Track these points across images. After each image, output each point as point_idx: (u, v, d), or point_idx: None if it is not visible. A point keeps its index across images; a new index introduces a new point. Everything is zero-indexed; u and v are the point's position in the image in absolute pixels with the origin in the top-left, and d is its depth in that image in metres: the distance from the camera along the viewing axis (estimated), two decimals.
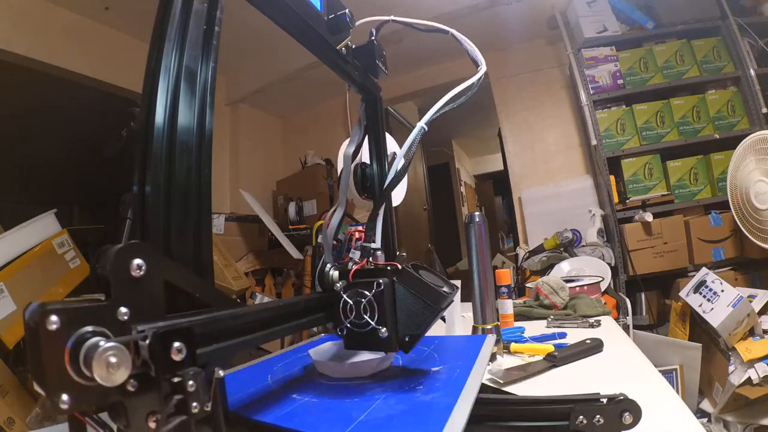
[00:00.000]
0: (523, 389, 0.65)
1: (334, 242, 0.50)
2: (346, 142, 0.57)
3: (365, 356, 0.51)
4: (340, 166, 0.57)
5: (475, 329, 0.84)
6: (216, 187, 2.62)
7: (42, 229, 1.62)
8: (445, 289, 0.44)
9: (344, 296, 0.43)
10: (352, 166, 0.55)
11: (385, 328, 0.41)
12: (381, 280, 0.41)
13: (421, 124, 0.47)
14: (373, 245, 0.49)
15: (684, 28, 2.18)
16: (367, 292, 0.42)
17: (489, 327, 0.82)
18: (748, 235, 1.67)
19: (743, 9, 2.17)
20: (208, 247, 0.31)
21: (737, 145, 1.68)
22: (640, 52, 2.19)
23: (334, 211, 0.53)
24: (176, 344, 0.24)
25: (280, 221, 2.76)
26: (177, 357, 0.24)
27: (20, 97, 2.42)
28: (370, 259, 0.47)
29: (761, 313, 1.50)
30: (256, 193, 2.73)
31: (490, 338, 0.60)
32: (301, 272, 2.51)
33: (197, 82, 0.31)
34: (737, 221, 1.72)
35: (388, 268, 0.43)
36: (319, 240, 0.50)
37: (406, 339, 0.41)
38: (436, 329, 1.09)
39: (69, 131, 2.88)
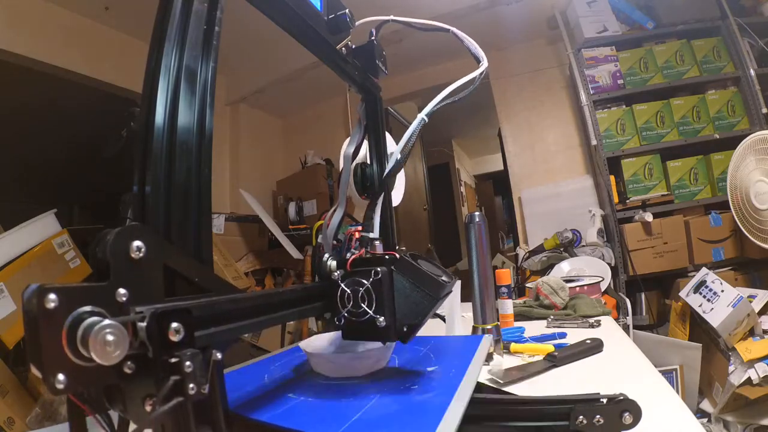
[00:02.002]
0: (523, 389, 0.65)
1: (334, 242, 0.50)
2: (347, 141, 0.57)
3: (360, 353, 0.50)
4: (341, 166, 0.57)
5: (475, 329, 0.84)
6: (216, 187, 2.62)
7: (42, 229, 1.62)
8: (444, 278, 0.44)
9: (342, 285, 0.43)
10: (352, 166, 0.55)
11: (383, 317, 0.40)
12: (379, 269, 0.41)
13: (422, 115, 0.47)
14: (371, 235, 0.49)
15: (684, 28, 2.18)
16: (364, 281, 0.41)
17: (489, 327, 0.82)
18: (748, 235, 1.67)
19: (743, 9, 2.17)
20: (208, 247, 0.31)
21: (737, 145, 1.68)
22: (640, 52, 2.19)
23: (334, 211, 0.53)
24: (174, 325, 0.24)
25: (280, 221, 2.76)
26: (175, 338, 0.24)
27: (20, 97, 2.42)
28: (368, 249, 0.47)
29: (761, 313, 1.50)
30: (256, 193, 2.73)
31: (487, 338, 0.60)
32: (301, 272, 2.51)
33: (197, 82, 0.31)
34: (737, 221, 1.72)
35: (386, 257, 0.43)
36: (319, 240, 0.50)
37: (405, 329, 0.41)
38: (437, 329, 1.09)
39: (69, 131, 2.88)
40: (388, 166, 0.48)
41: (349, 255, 0.47)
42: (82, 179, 3.17)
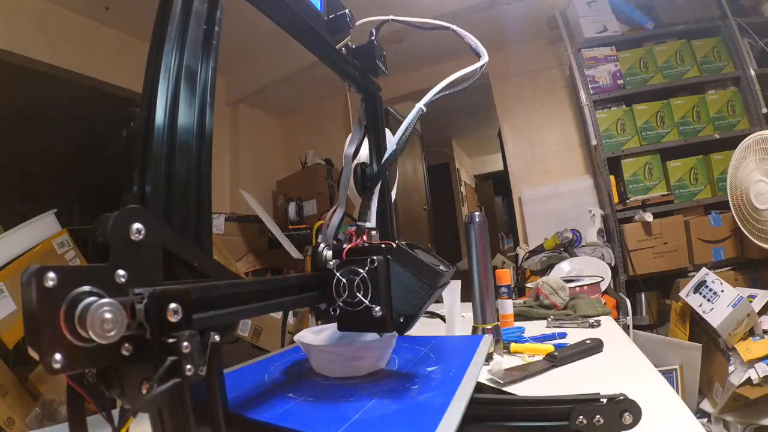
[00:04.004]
0: (523, 389, 0.65)
1: (334, 242, 0.50)
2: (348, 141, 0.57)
3: (361, 347, 0.50)
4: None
5: (475, 329, 0.84)
6: (216, 187, 2.61)
7: (42, 229, 1.62)
8: (441, 267, 0.43)
9: (337, 274, 0.42)
10: (352, 166, 0.55)
11: (379, 307, 0.40)
12: (375, 257, 0.40)
13: (420, 105, 0.46)
14: (368, 225, 0.48)
15: (684, 28, 2.18)
16: (360, 270, 0.41)
17: (489, 327, 0.82)
18: (748, 235, 1.67)
19: (743, 9, 2.17)
20: (207, 236, 0.31)
21: (737, 145, 1.68)
22: (640, 52, 2.19)
23: (334, 211, 0.53)
24: (172, 305, 0.24)
25: (280, 221, 2.76)
26: (173, 318, 0.24)
27: (20, 97, 2.42)
28: (365, 238, 0.47)
29: (761, 313, 1.50)
30: (256, 193, 2.73)
31: (486, 338, 0.60)
32: (301, 272, 2.51)
33: (197, 82, 0.31)
34: (737, 221, 1.72)
35: (383, 246, 0.42)
36: (319, 240, 0.50)
37: (401, 319, 0.40)
38: (437, 329, 1.09)
39: (69, 131, 2.88)
40: (386, 155, 0.47)
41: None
42: (82, 179, 3.17)
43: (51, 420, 1.39)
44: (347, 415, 0.35)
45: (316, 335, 0.55)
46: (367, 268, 0.40)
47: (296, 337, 0.52)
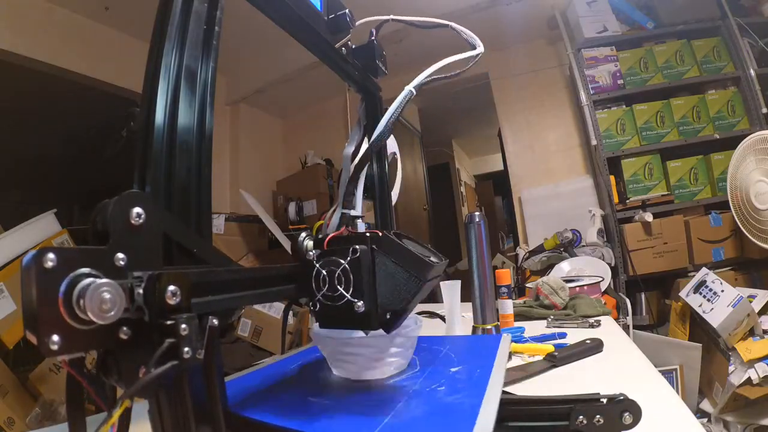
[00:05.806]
0: (523, 389, 0.65)
1: None
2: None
3: (389, 344, 0.46)
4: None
5: (475, 329, 0.84)
6: (216, 187, 2.61)
7: (42, 229, 1.62)
8: (432, 258, 0.40)
9: (317, 266, 0.38)
10: (352, 165, 0.55)
11: (361, 302, 0.36)
12: (357, 246, 0.36)
13: (410, 87, 0.44)
14: (352, 212, 0.44)
15: (684, 28, 2.18)
16: (341, 261, 0.36)
17: (489, 327, 0.82)
18: (748, 235, 1.67)
19: (743, 9, 2.17)
20: (207, 227, 0.31)
21: (737, 145, 1.68)
22: (640, 52, 2.19)
23: (334, 210, 0.52)
24: (171, 288, 0.24)
25: (280, 221, 2.76)
26: (171, 301, 0.24)
27: (20, 98, 2.42)
28: (350, 227, 0.43)
29: (761, 313, 1.50)
30: (256, 193, 2.73)
31: (506, 337, 0.57)
32: None
33: (197, 82, 0.31)
34: (737, 221, 1.72)
35: (367, 234, 0.38)
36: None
37: (387, 316, 0.37)
38: (437, 329, 1.09)
39: (69, 131, 2.88)
40: (375, 134, 0.44)
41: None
42: (82, 179, 3.17)
43: (51, 420, 1.39)
44: (377, 418, 0.34)
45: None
46: (348, 258, 0.36)
47: (313, 332, 0.47)
